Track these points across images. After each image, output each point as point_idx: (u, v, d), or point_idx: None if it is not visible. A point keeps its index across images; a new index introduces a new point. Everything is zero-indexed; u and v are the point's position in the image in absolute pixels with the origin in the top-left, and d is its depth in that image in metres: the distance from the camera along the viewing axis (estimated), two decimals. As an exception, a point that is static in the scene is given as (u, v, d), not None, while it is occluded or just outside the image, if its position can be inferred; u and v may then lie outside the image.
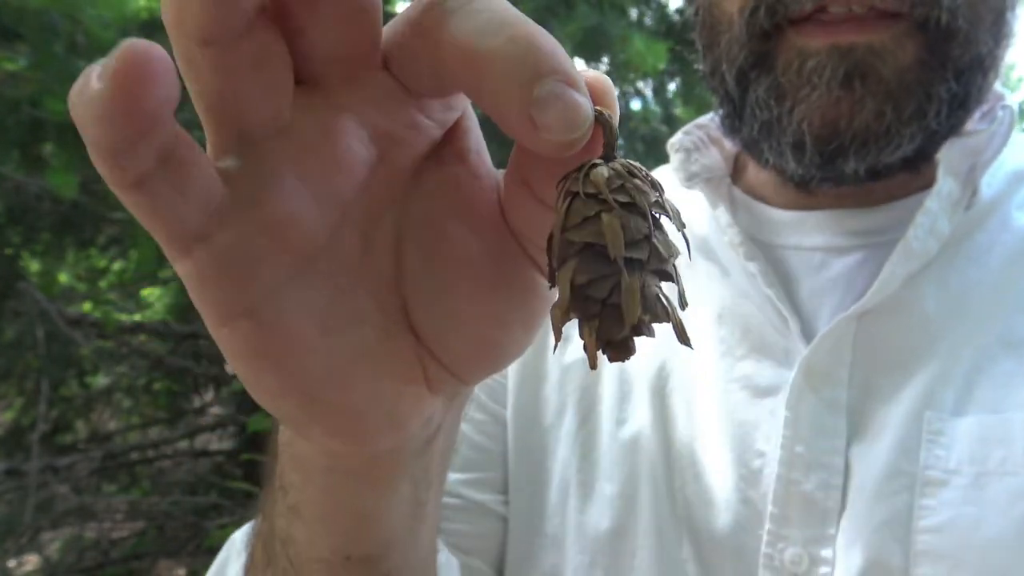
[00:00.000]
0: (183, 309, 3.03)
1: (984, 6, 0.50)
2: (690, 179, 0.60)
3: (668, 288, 0.22)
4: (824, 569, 0.49)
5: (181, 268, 0.23)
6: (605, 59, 1.98)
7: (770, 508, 0.51)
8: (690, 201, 0.62)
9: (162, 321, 3.03)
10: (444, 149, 0.26)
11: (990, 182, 0.55)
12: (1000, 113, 0.55)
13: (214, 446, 3.02)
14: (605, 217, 0.21)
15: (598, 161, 0.22)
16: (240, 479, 2.52)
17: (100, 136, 0.20)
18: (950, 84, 0.50)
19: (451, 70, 0.22)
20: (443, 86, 0.24)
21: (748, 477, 0.52)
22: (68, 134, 1.25)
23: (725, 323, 0.56)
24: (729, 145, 0.63)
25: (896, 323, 0.52)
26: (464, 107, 0.27)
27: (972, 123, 0.56)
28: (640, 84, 2.22)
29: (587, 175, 0.21)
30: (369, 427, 0.26)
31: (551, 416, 0.58)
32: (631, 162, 0.22)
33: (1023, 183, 0.56)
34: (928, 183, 0.53)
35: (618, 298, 0.20)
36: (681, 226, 0.22)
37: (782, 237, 0.58)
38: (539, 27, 0.21)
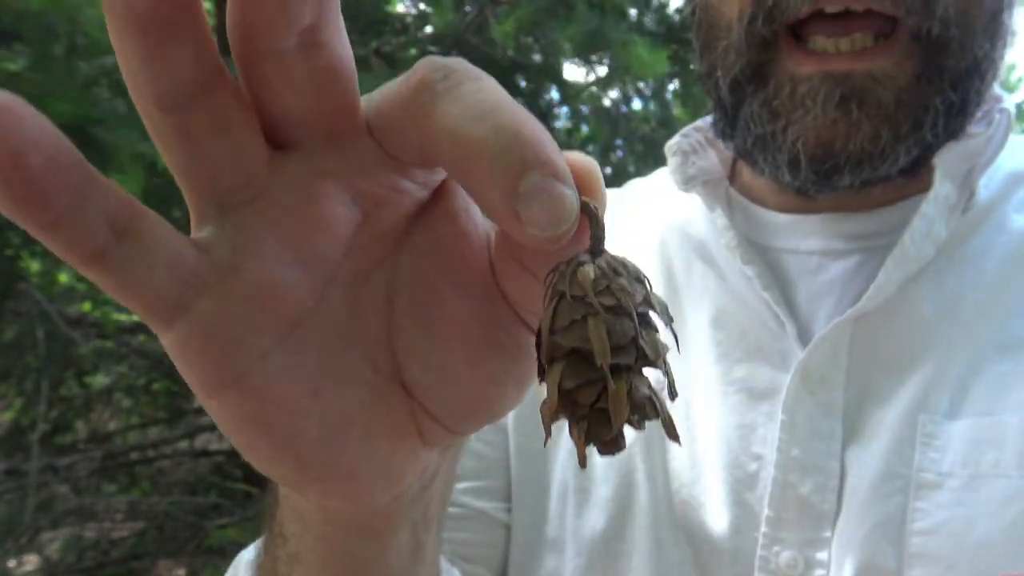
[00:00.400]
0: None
1: (977, 10, 0.50)
2: (687, 182, 0.61)
3: (658, 377, 0.22)
4: (819, 572, 0.49)
5: (165, 340, 0.23)
6: (605, 62, 1.98)
7: (766, 511, 0.51)
8: (687, 204, 0.62)
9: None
10: (432, 208, 0.26)
11: (987, 184, 0.55)
12: (997, 116, 0.55)
13: (214, 446, 3.02)
14: (591, 322, 0.21)
15: (584, 258, 0.22)
16: (240, 479, 2.52)
17: (6, 211, 0.19)
18: (947, 94, 0.50)
19: (437, 151, 0.22)
20: (427, 162, 0.24)
21: (744, 480, 0.52)
22: (69, 135, 1.25)
23: (722, 326, 0.56)
24: (725, 148, 0.63)
25: (892, 326, 0.52)
26: None
27: (970, 125, 0.56)
28: (640, 85, 2.21)
29: (574, 274, 0.21)
30: (364, 485, 0.26)
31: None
32: (616, 257, 0.22)
33: (1020, 185, 0.56)
34: (925, 187, 0.53)
35: (606, 403, 0.20)
36: (669, 321, 0.22)
37: (779, 240, 0.58)
38: (526, 113, 0.21)
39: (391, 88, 0.23)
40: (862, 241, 0.55)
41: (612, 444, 0.21)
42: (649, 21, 2.01)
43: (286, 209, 0.23)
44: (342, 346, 0.25)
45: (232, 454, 2.76)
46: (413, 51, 2.30)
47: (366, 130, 0.24)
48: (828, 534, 0.50)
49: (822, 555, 0.49)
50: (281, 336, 0.24)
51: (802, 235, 0.57)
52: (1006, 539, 0.45)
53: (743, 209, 0.60)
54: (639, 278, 0.22)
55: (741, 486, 0.52)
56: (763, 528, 0.50)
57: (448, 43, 1.87)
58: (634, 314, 0.21)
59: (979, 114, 0.56)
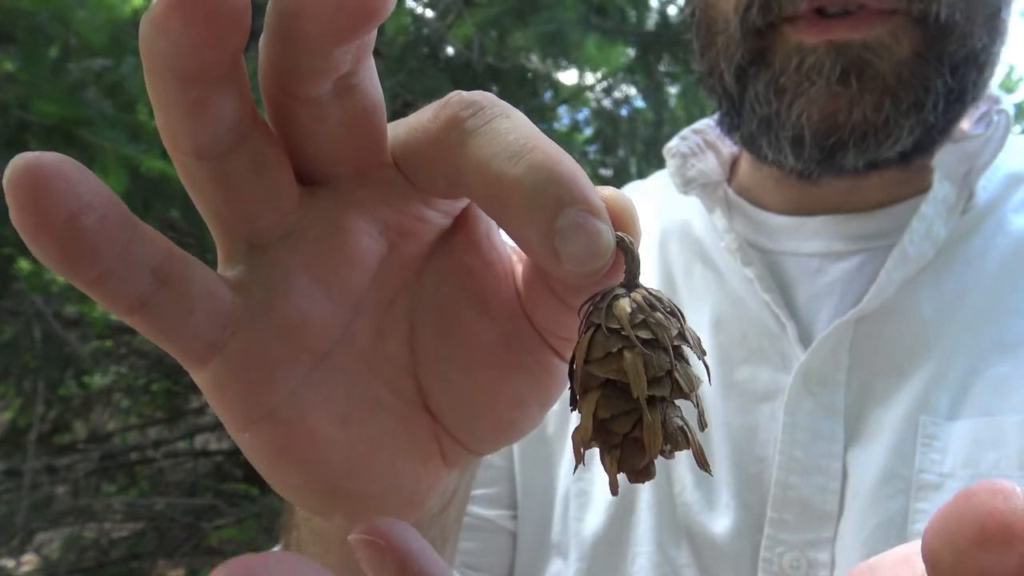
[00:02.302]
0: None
1: (980, 2, 0.50)
2: (686, 184, 0.61)
3: (688, 407, 0.22)
4: (822, 572, 0.49)
5: (199, 378, 0.23)
6: (566, 62, 2.02)
7: (769, 513, 0.51)
8: (687, 206, 0.62)
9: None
10: (454, 237, 0.26)
11: (986, 186, 0.55)
12: (996, 117, 0.55)
13: (213, 446, 3.02)
14: (627, 355, 0.21)
15: (620, 291, 0.22)
16: (239, 480, 2.52)
17: (49, 263, 0.20)
18: (946, 78, 0.50)
19: (469, 188, 0.22)
20: (455, 194, 0.24)
21: (747, 482, 0.52)
22: (55, 137, 1.25)
23: (723, 328, 0.56)
24: (726, 150, 0.63)
25: (893, 327, 0.52)
26: None
27: (968, 126, 0.56)
28: (627, 88, 2.24)
29: (609, 307, 0.22)
30: (389, 509, 0.26)
31: (554, 425, 0.59)
32: (652, 291, 0.22)
33: (1019, 186, 0.56)
34: (925, 188, 0.53)
35: (640, 433, 0.21)
36: (702, 354, 0.22)
37: (779, 242, 0.58)
38: (559, 149, 0.21)
39: (419, 122, 0.23)
40: (862, 242, 0.55)
41: (644, 473, 0.22)
42: (610, 24, 2.03)
43: (317, 245, 0.24)
44: (368, 374, 0.26)
45: (231, 454, 2.76)
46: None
47: (392, 163, 0.24)
48: (830, 535, 0.49)
49: (824, 556, 0.49)
50: (310, 369, 0.24)
51: (802, 237, 0.57)
52: None
53: (743, 211, 0.60)
54: (674, 312, 0.22)
55: (743, 488, 0.52)
56: (766, 530, 0.50)
57: (403, 45, 1.87)
58: (670, 348, 0.21)
59: (977, 115, 0.57)
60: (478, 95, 0.22)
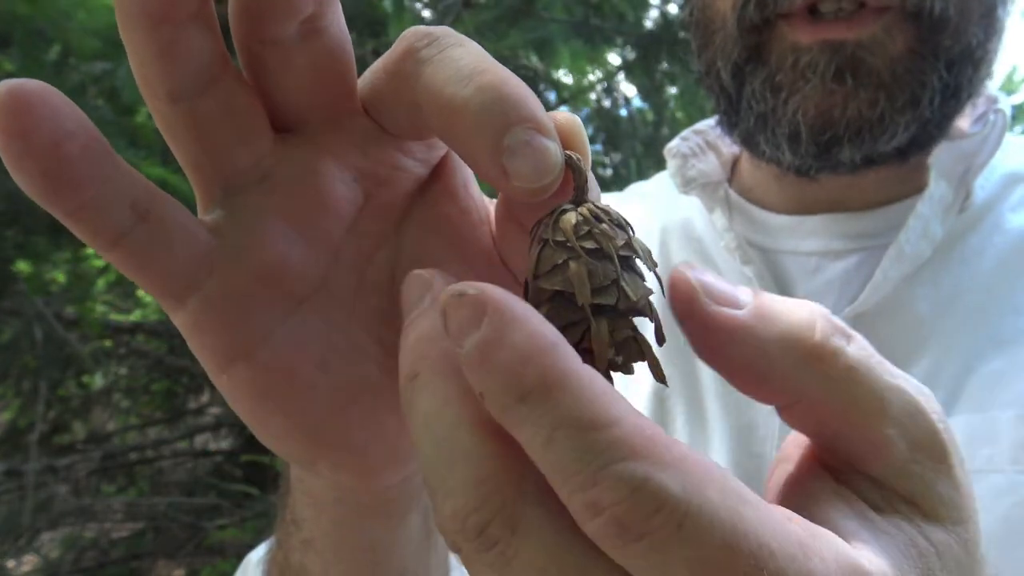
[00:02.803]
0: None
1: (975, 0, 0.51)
2: (687, 184, 0.61)
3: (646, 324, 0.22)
4: None
5: (177, 319, 0.24)
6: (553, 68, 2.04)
7: None
8: (687, 206, 0.63)
9: (161, 321, 3.03)
10: (433, 186, 0.27)
11: (983, 185, 0.56)
12: (992, 117, 0.55)
13: (213, 446, 3.02)
14: (572, 265, 0.21)
15: (568, 206, 0.22)
16: (239, 480, 2.52)
17: (31, 190, 0.20)
18: (942, 74, 0.50)
19: (425, 117, 0.22)
20: (419, 131, 0.24)
21: (744, 479, 0.52)
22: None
23: None
24: (726, 150, 0.64)
25: (890, 325, 0.53)
26: None
27: (965, 125, 0.56)
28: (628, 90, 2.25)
29: (556, 222, 0.22)
30: (373, 462, 0.27)
31: None
32: (599, 205, 0.22)
33: (1016, 185, 0.56)
34: (922, 187, 0.54)
35: (589, 343, 0.21)
36: (653, 266, 0.22)
37: (778, 241, 0.58)
38: (509, 73, 0.21)
39: (380, 62, 0.24)
40: (860, 241, 0.56)
41: None
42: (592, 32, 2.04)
43: (291, 190, 0.24)
44: (348, 322, 0.26)
45: (231, 454, 2.77)
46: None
47: (363, 111, 0.25)
48: None
49: None
50: (287, 312, 0.25)
51: (801, 236, 0.57)
52: (999, 532, 0.46)
53: (742, 211, 0.60)
54: (621, 224, 0.22)
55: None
56: None
57: None
58: (615, 257, 0.21)
59: (976, 115, 0.57)
60: (435, 28, 0.23)
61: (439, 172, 0.27)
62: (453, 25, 1.92)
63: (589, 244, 0.21)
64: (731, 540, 0.17)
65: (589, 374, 0.17)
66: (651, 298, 0.22)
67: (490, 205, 0.27)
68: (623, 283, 0.21)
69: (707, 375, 0.56)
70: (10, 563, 2.19)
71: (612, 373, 0.21)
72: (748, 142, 0.56)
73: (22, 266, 1.91)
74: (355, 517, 0.32)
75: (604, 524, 0.16)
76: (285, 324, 0.25)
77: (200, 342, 0.24)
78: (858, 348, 0.21)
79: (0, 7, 1.32)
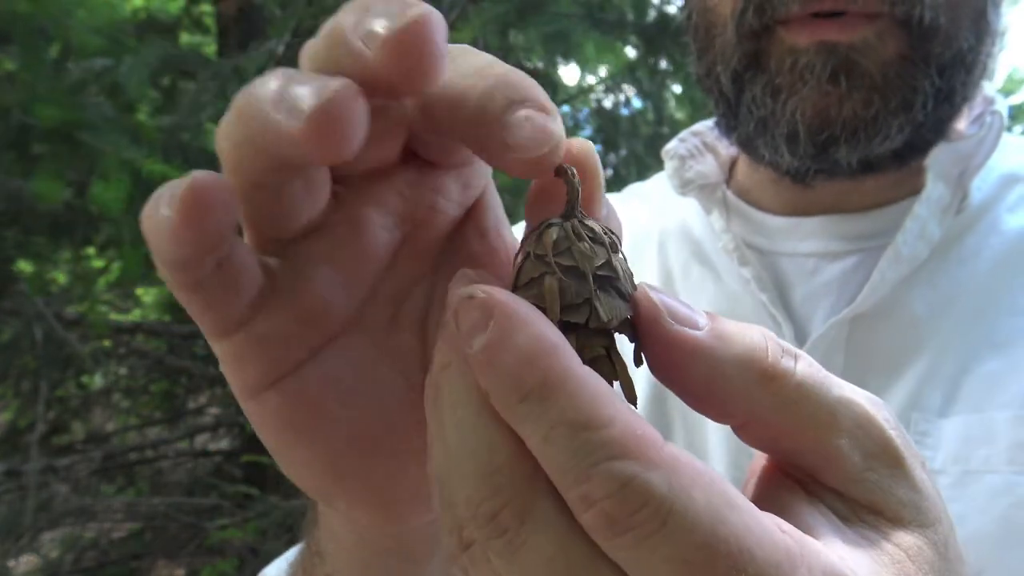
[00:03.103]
0: (180, 308, 3.03)
1: (965, 5, 0.51)
2: (684, 186, 0.61)
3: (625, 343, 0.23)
4: None
5: (218, 347, 0.25)
6: (568, 62, 2.02)
7: None
8: (685, 207, 0.63)
9: (160, 321, 3.03)
10: (466, 226, 0.28)
11: (980, 186, 0.56)
12: (989, 118, 0.56)
13: (213, 447, 3.03)
14: (547, 280, 0.22)
15: (555, 220, 0.23)
16: (239, 480, 2.52)
17: (168, 253, 0.22)
18: (933, 79, 0.51)
19: (437, 116, 0.23)
20: (430, 125, 0.25)
21: (742, 479, 0.52)
22: (56, 140, 1.26)
23: None
24: (724, 152, 0.64)
25: (887, 326, 0.53)
26: (484, 186, 0.28)
27: (962, 126, 0.56)
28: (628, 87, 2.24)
29: (540, 236, 0.22)
30: (391, 503, 0.27)
31: None
32: (586, 222, 0.23)
33: (1013, 186, 0.57)
34: (919, 188, 0.54)
35: None
36: (633, 289, 0.22)
37: (776, 243, 0.58)
38: (518, 71, 0.22)
39: None
40: (858, 242, 0.56)
41: None
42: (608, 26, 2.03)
43: (338, 238, 0.25)
44: (378, 359, 0.27)
45: (231, 455, 2.77)
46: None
47: (401, 160, 0.26)
48: None
49: None
50: (320, 347, 0.25)
51: (799, 237, 0.58)
52: (996, 532, 0.46)
53: (740, 212, 0.61)
54: (605, 243, 0.23)
55: (739, 484, 0.52)
56: None
57: None
58: (590, 276, 0.22)
59: (972, 116, 0.57)
60: (452, 47, 0.23)
61: (473, 213, 0.28)
62: (458, 23, 1.92)
63: (566, 261, 0.22)
64: (711, 540, 0.17)
65: (588, 376, 0.18)
66: (630, 319, 0.22)
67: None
68: (596, 302, 0.22)
69: None
70: (10, 563, 2.19)
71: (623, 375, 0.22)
72: (747, 146, 0.57)
73: (24, 266, 1.92)
74: (375, 557, 0.33)
75: (594, 517, 0.18)
76: (317, 358, 0.25)
77: (237, 371, 0.25)
78: (806, 365, 0.22)
79: (1, 5, 1.32)
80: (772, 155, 0.54)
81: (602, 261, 0.22)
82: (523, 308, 0.19)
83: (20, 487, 2.17)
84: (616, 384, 0.22)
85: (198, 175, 0.21)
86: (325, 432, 0.25)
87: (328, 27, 0.22)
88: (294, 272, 0.25)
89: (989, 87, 0.58)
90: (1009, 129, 0.57)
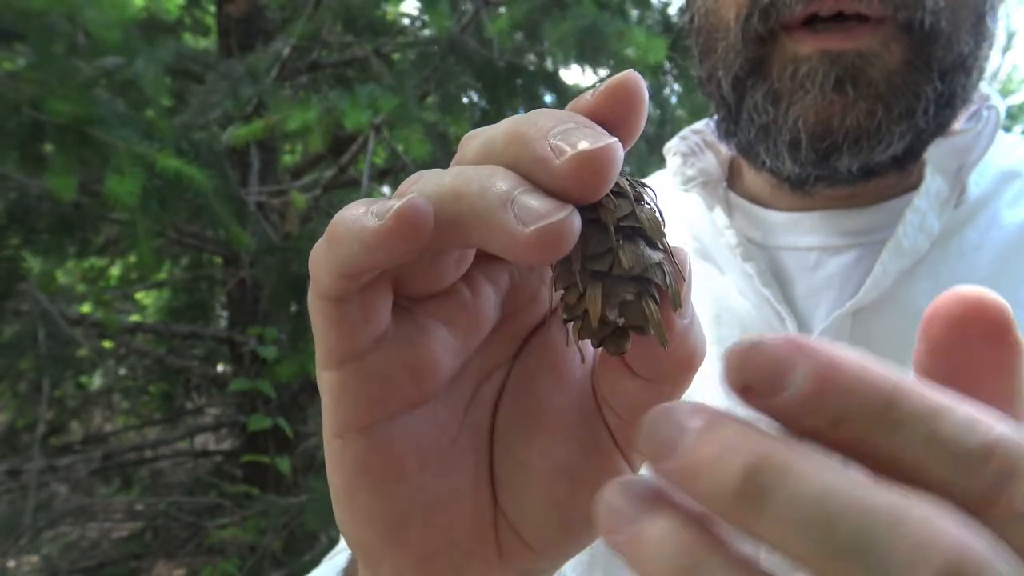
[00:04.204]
0: (179, 310, 3.03)
1: (965, 9, 0.52)
2: (687, 183, 0.62)
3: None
4: None
5: (326, 375, 0.26)
6: (601, 60, 2.00)
7: None
8: (687, 204, 0.63)
9: (161, 321, 3.03)
10: (552, 315, 0.29)
11: (978, 181, 0.56)
12: (985, 113, 0.56)
13: (213, 447, 3.02)
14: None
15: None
16: (239, 480, 2.52)
17: (354, 258, 0.23)
18: (935, 84, 0.51)
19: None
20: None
21: None
22: (68, 136, 1.26)
23: (723, 323, 0.57)
24: (725, 149, 0.64)
25: (890, 319, 0.53)
26: None
27: (959, 122, 0.57)
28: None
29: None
30: (437, 574, 0.28)
31: None
32: (624, 178, 0.24)
33: (1011, 182, 0.57)
34: (917, 183, 0.55)
35: (584, 306, 0.24)
36: (660, 236, 0.24)
37: (778, 238, 0.59)
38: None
39: None
40: (859, 237, 0.56)
41: (611, 344, 0.24)
42: (652, 23, 2.03)
43: (460, 305, 0.27)
44: (458, 431, 0.28)
45: (230, 455, 2.76)
46: (411, 54, 2.31)
47: None
48: None
49: None
50: (414, 404, 0.27)
51: (800, 232, 0.58)
52: None
53: (742, 209, 0.61)
54: (628, 196, 0.24)
55: None
56: None
57: (444, 46, 1.89)
58: (611, 227, 0.23)
59: (968, 113, 0.58)
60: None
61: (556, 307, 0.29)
62: (470, 26, 1.92)
63: (589, 215, 0.23)
64: None
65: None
66: (663, 265, 0.24)
67: None
68: (619, 251, 0.23)
69: (707, 372, 0.56)
70: (10, 563, 2.18)
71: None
72: (747, 152, 0.57)
73: (35, 265, 1.91)
74: None
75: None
76: (410, 413, 0.27)
77: (336, 403, 0.26)
78: None
79: (13, 3, 1.32)
80: (773, 162, 0.55)
81: (625, 213, 0.23)
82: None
83: (20, 487, 2.16)
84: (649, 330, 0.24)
85: (417, 198, 0.22)
86: (395, 488, 0.26)
87: (512, 127, 0.24)
88: (415, 324, 0.26)
89: (984, 85, 0.58)
90: (1008, 129, 0.58)
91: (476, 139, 0.25)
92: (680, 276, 0.25)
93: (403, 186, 0.25)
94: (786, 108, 0.52)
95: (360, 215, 0.23)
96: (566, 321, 0.25)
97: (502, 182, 0.22)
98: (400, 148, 1.83)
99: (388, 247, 0.22)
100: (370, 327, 0.25)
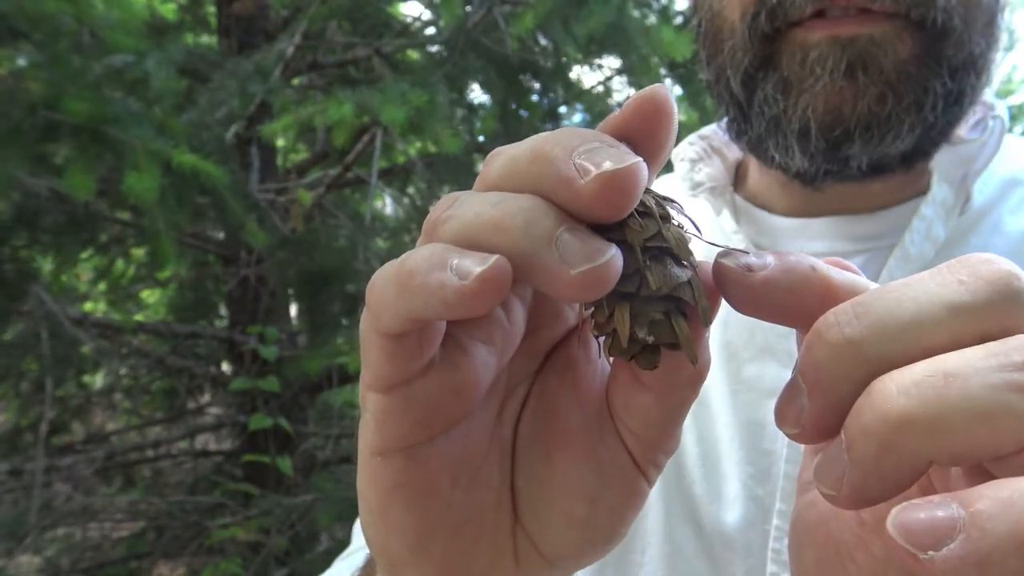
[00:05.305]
0: (182, 309, 3.03)
1: (977, 8, 0.52)
2: (694, 188, 0.62)
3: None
4: None
5: (374, 398, 0.26)
6: (619, 56, 2.00)
7: (777, 504, 0.52)
8: (695, 209, 0.64)
9: (162, 321, 3.03)
10: (572, 336, 0.30)
11: (982, 189, 0.57)
12: (991, 123, 0.57)
13: (214, 446, 3.02)
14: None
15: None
16: (240, 479, 2.51)
17: (429, 310, 0.23)
18: (945, 81, 0.51)
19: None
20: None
21: (756, 475, 0.54)
22: (84, 135, 1.26)
23: (731, 327, 0.58)
24: (731, 155, 0.65)
25: None
26: None
27: (965, 131, 0.58)
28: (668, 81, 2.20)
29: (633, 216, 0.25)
30: None
31: None
32: (651, 195, 0.25)
33: (1014, 189, 0.58)
34: (923, 190, 0.55)
35: (614, 325, 0.24)
36: (687, 255, 0.25)
37: (784, 243, 0.59)
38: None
39: None
40: (865, 243, 0.57)
41: (644, 360, 0.25)
42: (679, 19, 2.01)
43: (495, 323, 0.27)
44: (487, 448, 0.29)
45: (231, 455, 2.76)
46: (415, 53, 2.31)
47: None
48: None
49: None
50: (454, 424, 0.27)
51: (807, 238, 0.59)
52: None
53: (748, 214, 0.62)
54: (654, 215, 0.24)
55: (752, 481, 0.54)
56: (775, 521, 0.52)
57: (457, 42, 1.88)
58: (638, 248, 0.24)
59: (973, 121, 0.58)
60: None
61: (581, 325, 0.30)
62: (482, 22, 1.91)
63: (617, 236, 0.24)
64: None
65: None
66: (691, 283, 0.24)
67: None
68: (646, 272, 0.23)
69: (716, 376, 0.57)
70: (11, 563, 2.18)
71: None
72: (756, 149, 0.57)
73: (44, 265, 1.91)
74: None
75: None
76: (449, 434, 0.27)
77: (380, 425, 0.26)
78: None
79: (26, 6, 1.33)
80: (782, 156, 0.55)
81: (652, 233, 0.24)
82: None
83: (23, 486, 2.16)
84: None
85: (503, 261, 0.23)
86: (426, 505, 0.27)
87: (537, 145, 0.24)
88: (459, 347, 0.26)
89: (988, 92, 0.59)
90: (1009, 130, 0.59)
91: (500, 157, 0.25)
92: (712, 293, 0.25)
93: (437, 210, 0.25)
94: (796, 97, 0.52)
95: (439, 269, 0.23)
96: (597, 336, 0.25)
97: (545, 218, 0.23)
98: (428, 145, 1.80)
99: (469, 306, 0.22)
100: (423, 356, 0.25)
